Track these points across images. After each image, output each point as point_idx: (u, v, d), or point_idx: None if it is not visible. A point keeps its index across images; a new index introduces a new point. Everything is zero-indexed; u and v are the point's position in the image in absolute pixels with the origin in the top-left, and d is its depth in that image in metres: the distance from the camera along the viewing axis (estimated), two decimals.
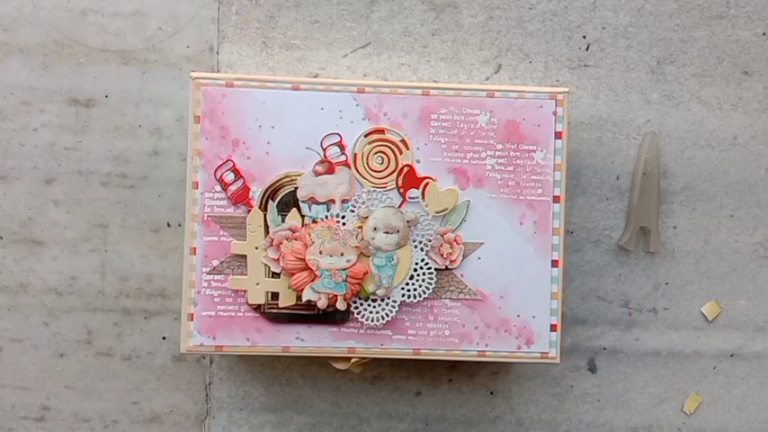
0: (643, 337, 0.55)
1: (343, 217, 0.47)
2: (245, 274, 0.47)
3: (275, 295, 0.47)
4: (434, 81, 0.53)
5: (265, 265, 0.47)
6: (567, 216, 0.53)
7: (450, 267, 0.48)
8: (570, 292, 0.54)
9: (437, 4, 0.53)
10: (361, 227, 0.47)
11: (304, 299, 0.47)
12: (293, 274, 0.47)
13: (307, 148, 0.47)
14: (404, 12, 0.53)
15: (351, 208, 0.47)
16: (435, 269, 0.48)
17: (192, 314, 0.47)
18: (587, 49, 0.53)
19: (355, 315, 0.47)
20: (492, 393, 0.54)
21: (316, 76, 0.53)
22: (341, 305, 0.47)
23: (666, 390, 0.55)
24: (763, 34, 0.54)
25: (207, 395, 0.54)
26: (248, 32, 0.53)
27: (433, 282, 0.48)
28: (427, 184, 0.48)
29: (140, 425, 0.54)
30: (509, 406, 0.54)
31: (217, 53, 0.53)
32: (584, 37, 0.53)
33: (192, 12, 0.52)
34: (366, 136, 0.48)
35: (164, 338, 0.53)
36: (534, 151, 0.48)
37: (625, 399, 0.55)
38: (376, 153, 0.48)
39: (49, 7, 0.52)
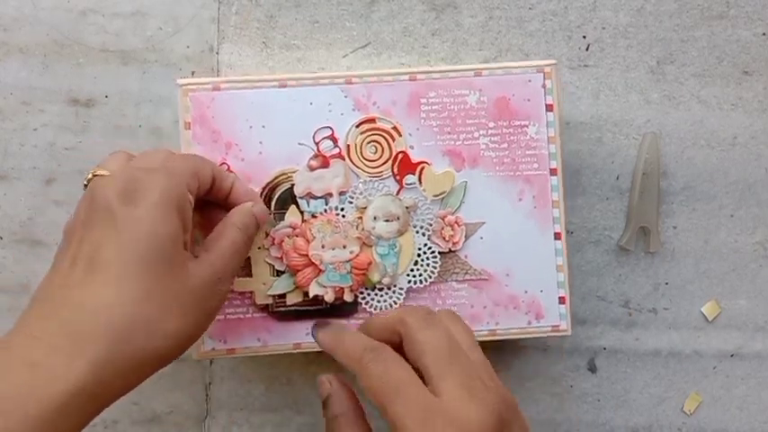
0: (643, 337, 0.55)
1: (342, 209, 0.47)
2: (251, 276, 0.47)
3: (282, 294, 0.47)
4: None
5: (269, 264, 0.47)
6: (568, 216, 0.53)
7: (453, 250, 0.48)
8: (570, 292, 0.54)
9: (437, 4, 0.53)
10: (360, 217, 0.47)
11: (311, 295, 0.47)
12: (298, 271, 0.47)
13: (299, 144, 0.47)
14: (404, 12, 0.53)
15: (349, 200, 0.47)
16: (439, 253, 0.48)
17: None
18: (587, 49, 0.53)
19: (363, 305, 0.47)
20: None
21: None
22: (348, 297, 0.47)
23: (666, 390, 0.55)
24: (763, 34, 0.54)
25: (207, 395, 0.54)
26: (248, 32, 0.53)
27: (437, 266, 0.48)
28: (423, 168, 0.48)
29: (140, 425, 0.54)
30: None
31: (217, 53, 0.53)
32: (585, 37, 0.53)
33: (191, 12, 0.52)
34: (357, 126, 0.48)
35: None
36: (527, 126, 0.48)
37: (625, 399, 0.55)
38: (369, 143, 0.48)
39: (49, 7, 0.52)
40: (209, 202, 0.45)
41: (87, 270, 0.37)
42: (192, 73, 0.52)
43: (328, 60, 0.53)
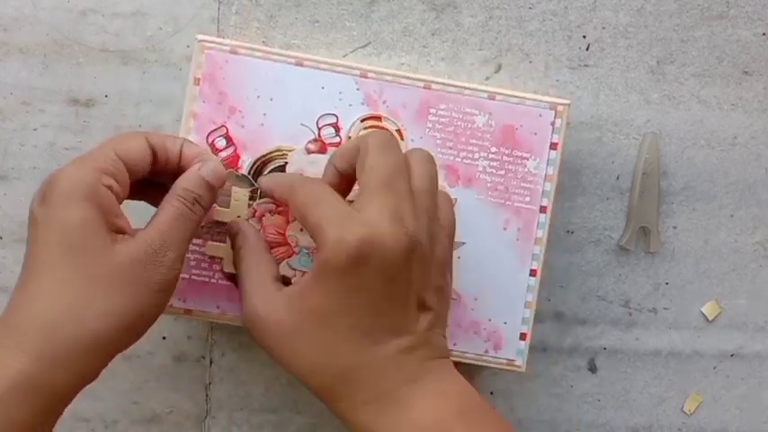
0: (643, 336, 0.55)
1: None
2: (224, 242, 0.47)
3: None
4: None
5: None
6: (568, 216, 0.53)
7: None
8: (570, 292, 0.54)
9: (437, 4, 0.53)
10: None
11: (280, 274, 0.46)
12: (271, 249, 0.46)
13: (302, 124, 0.47)
14: (404, 12, 0.53)
15: None
16: None
17: None
18: (587, 49, 0.53)
19: None
20: (492, 393, 0.54)
21: None
22: None
23: (666, 390, 0.55)
24: (763, 34, 0.54)
25: (207, 395, 0.54)
26: (248, 32, 0.52)
27: None
28: None
29: (140, 425, 0.54)
30: (509, 406, 0.54)
31: None
32: (585, 37, 0.53)
33: (191, 12, 0.52)
34: (362, 121, 0.48)
35: (163, 338, 0.53)
36: (527, 159, 0.48)
37: (625, 399, 0.55)
38: None
39: (49, 7, 0.52)
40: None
41: (24, 273, 0.40)
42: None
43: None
